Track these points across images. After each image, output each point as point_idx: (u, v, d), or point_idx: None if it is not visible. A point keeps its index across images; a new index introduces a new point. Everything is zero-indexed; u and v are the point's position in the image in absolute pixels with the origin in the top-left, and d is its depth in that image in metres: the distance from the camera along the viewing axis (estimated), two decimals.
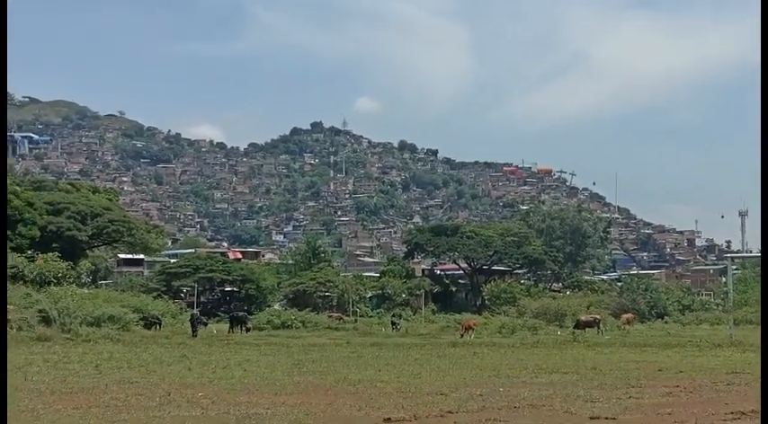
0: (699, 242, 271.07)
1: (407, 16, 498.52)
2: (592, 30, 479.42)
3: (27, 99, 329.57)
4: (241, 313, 61.49)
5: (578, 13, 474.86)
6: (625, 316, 65.71)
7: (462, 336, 50.50)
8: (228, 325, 58.15)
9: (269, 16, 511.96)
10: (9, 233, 65.21)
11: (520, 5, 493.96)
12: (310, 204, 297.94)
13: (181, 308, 70.84)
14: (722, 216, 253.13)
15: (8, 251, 56.95)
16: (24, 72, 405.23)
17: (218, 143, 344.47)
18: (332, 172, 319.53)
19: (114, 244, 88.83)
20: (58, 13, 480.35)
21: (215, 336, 50.62)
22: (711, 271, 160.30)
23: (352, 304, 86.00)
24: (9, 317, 39.50)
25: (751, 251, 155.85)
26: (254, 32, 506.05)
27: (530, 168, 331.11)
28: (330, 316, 70.64)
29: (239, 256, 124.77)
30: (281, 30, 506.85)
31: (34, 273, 60.14)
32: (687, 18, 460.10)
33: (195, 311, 63.38)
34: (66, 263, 66.52)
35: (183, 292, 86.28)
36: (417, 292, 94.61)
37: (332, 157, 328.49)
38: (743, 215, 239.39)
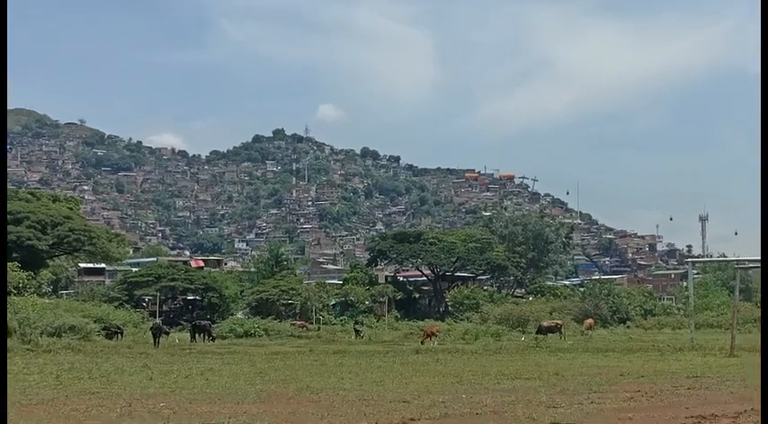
0: (660, 247, 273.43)
1: (371, 24, 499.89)
2: (556, 37, 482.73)
3: None
4: (205, 322, 60.79)
5: (543, 20, 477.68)
6: (587, 321, 66.00)
7: (423, 342, 50.25)
8: (190, 334, 57.79)
9: (231, 25, 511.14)
10: None
11: (484, 12, 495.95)
12: (273, 211, 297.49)
13: (143, 317, 70.45)
14: (671, 218, 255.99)
15: None
16: None
17: (179, 151, 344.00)
18: (294, 179, 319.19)
19: (75, 254, 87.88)
20: (18, 19, 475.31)
21: (177, 345, 50.29)
22: (673, 276, 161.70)
23: (316, 312, 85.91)
24: None
25: (711, 256, 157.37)
26: (216, 40, 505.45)
27: (492, 174, 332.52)
28: (293, 324, 70.53)
29: (201, 264, 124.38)
30: (243, 38, 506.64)
31: None
32: (652, 25, 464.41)
33: (157, 320, 62.90)
34: (27, 273, 65.85)
35: (144, 301, 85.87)
36: (380, 299, 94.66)
37: (294, 164, 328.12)
38: (703, 219, 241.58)
